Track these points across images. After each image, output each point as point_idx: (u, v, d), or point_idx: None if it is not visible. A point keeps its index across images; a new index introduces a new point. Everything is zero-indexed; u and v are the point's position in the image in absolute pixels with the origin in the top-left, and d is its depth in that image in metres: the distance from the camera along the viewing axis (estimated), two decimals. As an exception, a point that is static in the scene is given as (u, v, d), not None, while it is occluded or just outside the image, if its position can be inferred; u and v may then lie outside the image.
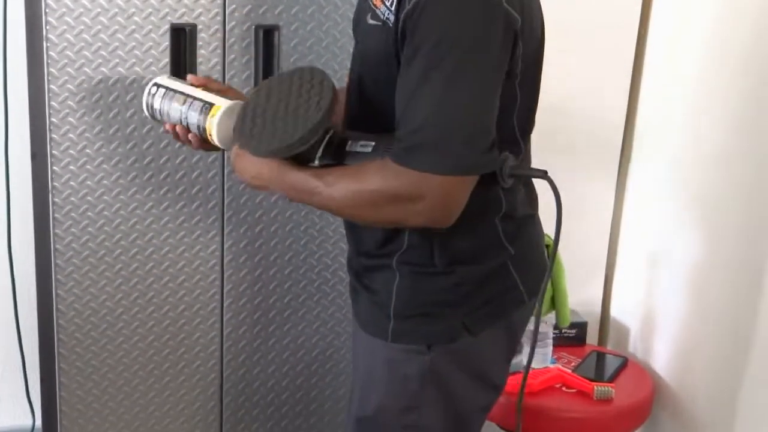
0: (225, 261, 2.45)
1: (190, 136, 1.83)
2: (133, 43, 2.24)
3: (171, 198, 2.37)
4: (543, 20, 1.69)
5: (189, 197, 2.38)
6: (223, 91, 1.85)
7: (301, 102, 1.62)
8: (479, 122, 1.53)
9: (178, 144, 2.31)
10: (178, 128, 1.85)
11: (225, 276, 2.47)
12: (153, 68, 2.26)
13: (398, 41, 1.54)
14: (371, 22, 1.62)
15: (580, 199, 2.87)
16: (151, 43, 2.25)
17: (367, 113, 1.71)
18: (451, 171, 1.51)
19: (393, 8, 1.55)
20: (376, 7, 1.60)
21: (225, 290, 2.48)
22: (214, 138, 1.78)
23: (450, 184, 1.52)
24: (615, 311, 3.06)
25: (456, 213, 1.56)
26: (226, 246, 2.44)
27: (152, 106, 1.88)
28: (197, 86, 1.85)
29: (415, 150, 1.51)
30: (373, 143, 1.61)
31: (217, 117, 1.77)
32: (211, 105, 1.79)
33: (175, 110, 1.84)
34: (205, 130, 1.79)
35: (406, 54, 1.52)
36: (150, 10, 2.23)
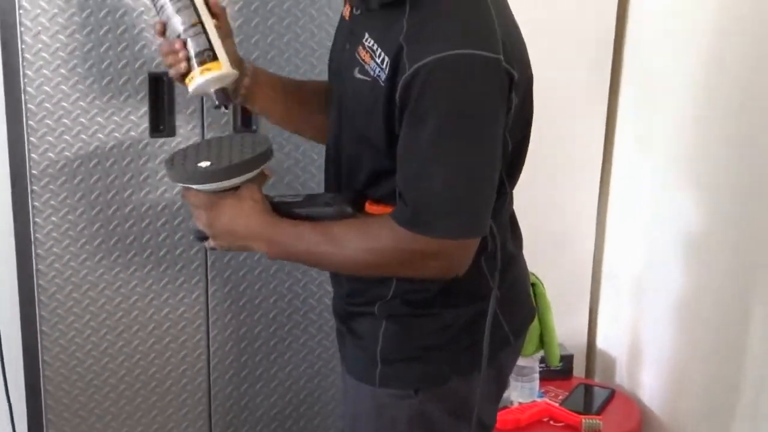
0: (210, 320, 2.45)
1: (177, 46, 1.70)
2: (111, 93, 2.23)
3: (154, 260, 2.36)
4: (528, 59, 1.67)
5: (172, 259, 2.37)
6: (224, 35, 1.75)
7: (235, 150, 1.68)
8: (490, 186, 1.57)
9: (160, 207, 2.32)
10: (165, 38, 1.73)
11: (211, 336, 2.47)
12: (132, 117, 2.26)
13: (391, 102, 1.54)
14: (359, 76, 1.61)
15: (562, 228, 2.90)
16: (128, 93, 2.24)
17: (347, 164, 1.72)
18: (468, 235, 1.57)
19: (385, 67, 1.55)
20: (365, 63, 1.59)
21: (211, 350, 2.48)
22: (191, 87, 1.71)
23: (465, 244, 1.58)
24: (601, 342, 3.05)
25: (468, 264, 1.60)
26: (210, 306, 2.44)
27: None
28: (213, 13, 1.73)
29: (430, 218, 1.54)
30: (303, 195, 1.70)
31: (209, 75, 1.70)
32: (214, 56, 1.70)
33: (177, 24, 1.70)
34: (189, 70, 1.72)
35: (409, 119, 1.52)
36: (125, 60, 2.23)
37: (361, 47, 1.61)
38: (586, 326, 3.05)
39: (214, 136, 2.15)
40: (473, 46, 1.49)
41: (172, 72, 1.72)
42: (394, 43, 1.53)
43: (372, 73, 1.57)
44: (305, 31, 2.34)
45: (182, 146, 2.19)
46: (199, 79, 1.69)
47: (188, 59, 1.68)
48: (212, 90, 1.71)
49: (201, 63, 1.69)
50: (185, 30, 1.69)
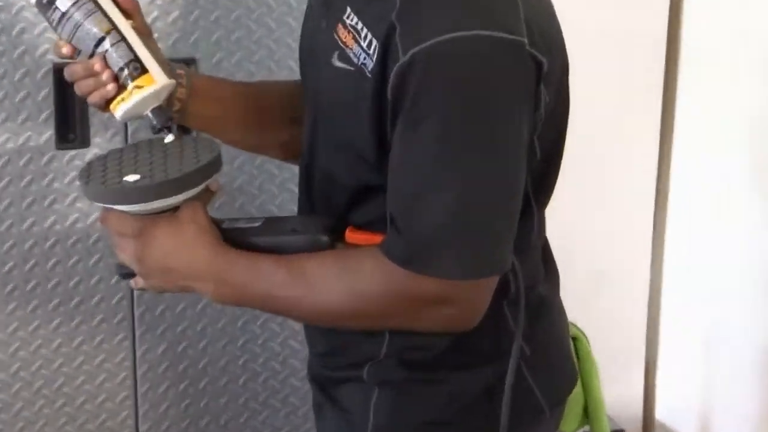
0: (139, 392, 2.31)
1: (98, 67, 1.56)
2: (3, 91, 2.10)
3: (64, 313, 2.22)
4: (564, 45, 1.52)
5: (87, 311, 2.23)
6: (143, 36, 1.62)
7: (173, 158, 1.55)
8: (510, 208, 1.44)
9: (71, 241, 2.20)
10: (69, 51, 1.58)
11: (140, 414, 2.31)
12: (30, 122, 2.12)
13: (381, 98, 1.41)
14: (338, 64, 1.46)
15: (607, 262, 2.73)
16: (27, 91, 2.11)
17: (322, 178, 1.59)
18: (482, 274, 1.43)
19: (373, 53, 1.41)
20: (346, 47, 1.45)
21: (141, 429, 2.35)
22: (119, 112, 1.57)
23: (478, 285, 1.44)
24: (661, 413, 2.87)
25: (483, 312, 1.47)
26: (139, 373, 2.30)
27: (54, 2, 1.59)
28: (124, 11, 1.60)
29: (431, 251, 1.41)
30: (262, 219, 1.59)
31: (142, 94, 1.55)
32: (142, 68, 1.58)
33: (87, 35, 1.56)
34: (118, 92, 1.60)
35: (404, 121, 1.38)
36: (23, 47, 2.10)
37: (341, 26, 1.48)
38: (641, 392, 2.87)
39: (143, 140, 2.13)
40: (488, 26, 1.35)
41: (93, 99, 1.58)
42: (384, 22, 1.39)
43: (356, 60, 1.43)
44: (261, 26, 2.24)
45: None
46: (130, 101, 1.55)
47: (116, 79, 1.56)
48: (147, 111, 1.57)
49: (130, 80, 1.58)
50: (98, 42, 1.55)
